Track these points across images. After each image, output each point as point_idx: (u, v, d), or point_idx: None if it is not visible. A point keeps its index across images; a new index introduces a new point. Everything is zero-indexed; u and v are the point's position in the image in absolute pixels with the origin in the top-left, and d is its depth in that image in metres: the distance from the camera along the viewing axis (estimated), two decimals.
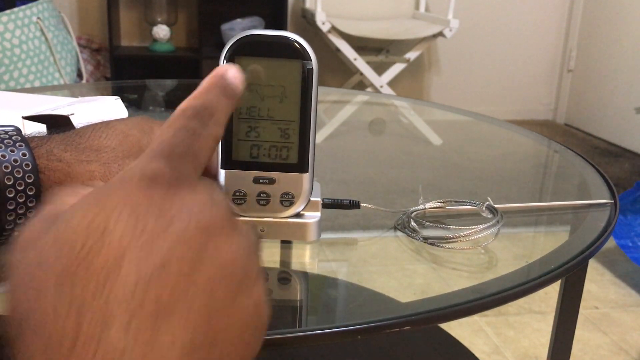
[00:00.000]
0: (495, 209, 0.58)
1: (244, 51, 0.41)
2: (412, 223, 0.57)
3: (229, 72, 0.29)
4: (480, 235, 0.55)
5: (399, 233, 0.57)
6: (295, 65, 0.41)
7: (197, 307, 0.21)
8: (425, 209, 0.60)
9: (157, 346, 0.20)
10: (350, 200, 0.54)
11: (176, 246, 0.21)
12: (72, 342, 0.19)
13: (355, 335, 0.40)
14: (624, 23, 3.09)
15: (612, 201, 0.64)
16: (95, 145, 0.41)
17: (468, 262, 0.54)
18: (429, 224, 0.58)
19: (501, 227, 0.56)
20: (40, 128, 0.61)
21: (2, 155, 0.38)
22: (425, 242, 0.55)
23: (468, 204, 0.61)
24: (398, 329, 0.42)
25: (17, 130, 0.40)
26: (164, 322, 0.20)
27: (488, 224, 0.55)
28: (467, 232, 0.55)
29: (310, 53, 0.41)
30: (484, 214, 0.59)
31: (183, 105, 0.27)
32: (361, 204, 0.55)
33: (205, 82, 0.29)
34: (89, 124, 0.44)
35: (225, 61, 0.41)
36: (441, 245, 0.54)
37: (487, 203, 0.60)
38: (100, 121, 0.44)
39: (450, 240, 0.55)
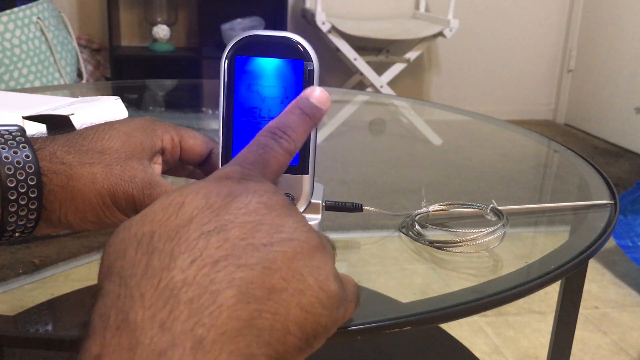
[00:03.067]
0: (500, 211, 0.58)
1: (245, 51, 0.41)
2: (417, 227, 0.57)
3: (314, 93, 0.35)
4: (487, 239, 0.54)
5: (402, 234, 0.57)
6: (296, 66, 0.41)
7: (252, 263, 0.26)
8: (429, 212, 0.60)
9: (215, 282, 0.25)
10: (352, 204, 0.53)
11: (238, 216, 0.27)
12: (143, 273, 0.25)
13: (355, 335, 0.40)
14: (624, 23, 3.09)
15: (612, 201, 0.64)
16: (98, 147, 0.41)
17: (468, 263, 0.54)
18: (433, 227, 0.58)
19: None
20: (41, 128, 0.61)
21: (5, 157, 0.38)
22: (431, 246, 0.55)
23: (472, 206, 0.61)
24: (398, 329, 0.42)
25: (22, 130, 0.40)
26: (223, 268, 0.25)
27: (495, 227, 0.54)
28: (474, 235, 0.54)
29: (311, 54, 0.41)
30: (488, 217, 0.58)
31: (267, 125, 0.34)
32: (364, 207, 0.54)
33: (291, 104, 0.35)
34: (93, 125, 0.44)
35: (226, 61, 0.41)
36: (448, 249, 0.54)
37: (491, 206, 0.59)
38: (104, 122, 0.44)
39: (457, 245, 0.54)
